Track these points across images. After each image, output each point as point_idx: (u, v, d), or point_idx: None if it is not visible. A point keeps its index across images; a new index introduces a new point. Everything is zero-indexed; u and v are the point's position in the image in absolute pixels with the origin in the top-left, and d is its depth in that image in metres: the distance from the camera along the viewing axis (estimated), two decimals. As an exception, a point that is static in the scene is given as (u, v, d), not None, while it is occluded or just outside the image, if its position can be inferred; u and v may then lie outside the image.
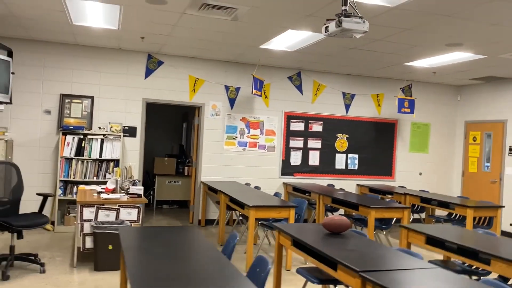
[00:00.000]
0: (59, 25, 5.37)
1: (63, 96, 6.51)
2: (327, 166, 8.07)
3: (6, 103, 5.18)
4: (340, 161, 8.18)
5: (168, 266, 2.41)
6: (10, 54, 5.33)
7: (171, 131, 10.76)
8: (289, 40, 5.73)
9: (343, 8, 3.14)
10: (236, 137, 7.59)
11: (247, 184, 7.28)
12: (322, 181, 8.01)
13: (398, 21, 4.54)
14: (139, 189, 5.08)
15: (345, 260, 2.72)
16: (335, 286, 3.37)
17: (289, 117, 7.86)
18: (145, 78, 6.96)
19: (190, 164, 8.67)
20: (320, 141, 8.04)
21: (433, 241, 3.80)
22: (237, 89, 7.52)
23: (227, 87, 7.48)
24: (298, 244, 3.37)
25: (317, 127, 8.03)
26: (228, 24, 4.98)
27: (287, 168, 7.85)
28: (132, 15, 4.75)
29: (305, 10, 4.30)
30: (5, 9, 4.73)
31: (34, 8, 4.66)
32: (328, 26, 3.16)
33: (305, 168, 7.94)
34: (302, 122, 7.93)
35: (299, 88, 7.90)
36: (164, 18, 4.82)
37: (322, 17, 4.51)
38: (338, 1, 3.96)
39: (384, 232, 5.90)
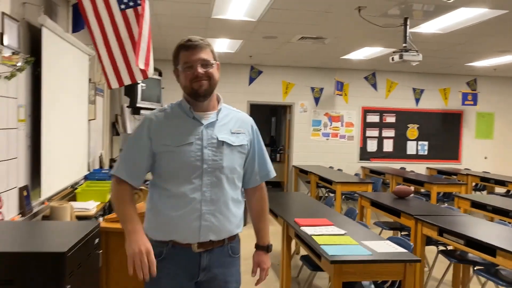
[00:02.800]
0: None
1: (189, 101, 8.55)
2: (399, 152, 9.45)
3: (159, 109, 7.27)
4: (411, 148, 9.51)
5: (306, 209, 4.17)
6: (160, 73, 7.40)
7: (262, 124, 12.65)
8: (365, 52, 7.22)
9: (404, 44, 4.67)
10: (320, 129, 9.24)
11: (331, 167, 8.91)
12: (395, 165, 9.39)
13: (450, 40, 5.89)
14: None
15: (405, 210, 4.30)
16: (400, 231, 4.94)
17: (366, 111, 9.34)
18: (249, 85, 8.83)
19: (281, 151, 10.47)
20: (393, 131, 9.42)
21: (477, 205, 5.19)
22: (321, 89, 9.14)
23: (312, 88, 9.12)
24: (375, 204, 4.99)
25: (390, 119, 9.42)
26: (317, 46, 6.62)
27: (364, 154, 9.36)
28: (249, 44, 6.57)
29: (380, 35, 5.80)
30: (162, 41, 6.74)
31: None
32: (393, 57, 4.71)
33: (380, 154, 9.39)
34: (377, 115, 9.37)
35: (374, 86, 9.33)
36: (272, 45, 6.58)
37: (393, 40, 5.97)
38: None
39: (446, 204, 7.25)
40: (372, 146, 9.40)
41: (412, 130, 9.48)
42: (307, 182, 8.86)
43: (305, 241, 3.20)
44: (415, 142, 9.52)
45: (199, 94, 1.79)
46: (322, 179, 7.32)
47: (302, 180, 9.19)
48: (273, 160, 11.18)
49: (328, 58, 7.75)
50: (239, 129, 1.90)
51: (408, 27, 4.66)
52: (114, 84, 2.48)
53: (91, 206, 3.85)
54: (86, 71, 4.84)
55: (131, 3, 2.28)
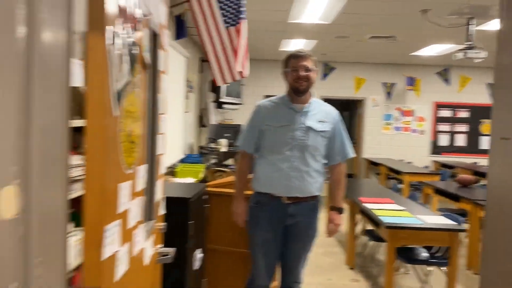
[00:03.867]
0: (270, 52, 8.09)
1: (266, 96, 9.30)
2: (472, 147, 9.48)
3: (240, 104, 8.10)
4: (485, 143, 9.49)
5: (372, 192, 4.72)
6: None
7: (334, 118, 13.11)
8: (436, 48, 7.47)
9: (468, 42, 5.00)
10: (391, 123, 9.55)
11: (401, 160, 9.20)
12: (468, 159, 9.43)
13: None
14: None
15: (465, 195, 4.68)
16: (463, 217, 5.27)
17: (438, 106, 9.49)
18: (322, 80, 9.39)
19: (354, 144, 10.88)
20: (466, 126, 9.47)
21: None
22: (392, 84, 9.45)
23: (384, 84, 9.46)
24: (438, 191, 5.37)
25: (463, 114, 9.48)
26: (388, 43, 7.02)
27: (435, 148, 9.52)
28: (323, 43, 7.15)
29: (448, 33, 6.10)
30: (242, 45, 7.55)
31: (261, 42, 7.40)
32: (456, 55, 5.05)
33: (452, 148, 9.50)
34: (450, 109, 9.48)
35: (447, 81, 9.44)
36: (344, 44, 7.11)
37: (462, 37, 6.22)
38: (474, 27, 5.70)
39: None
40: (444, 140, 9.53)
41: (487, 125, 9.46)
42: (377, 174, 9.25)
43: (366, 213, 3.77)
44: (489, 137, 9.46)
45: (299, 90, 2.48)
46: (391, 170, 7.71)
47: (373, 172, 9.57)
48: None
49: (399, 54, 8.08)
50: (325, 119, 2.55)
51: (473, 26, 4.98)
52: (219, 82, 3.25)
53: (189, 181, 4.71)
54: (184, 71, 5.75)
55: (233, 22, 3.03)
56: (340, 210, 2.68)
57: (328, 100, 9.85)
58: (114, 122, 1.07)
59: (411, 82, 9.09)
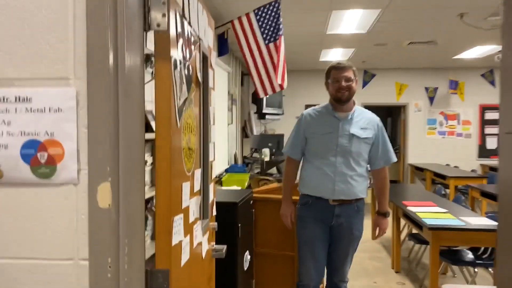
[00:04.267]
0: (309, 63, 8.26)
1: (307, 106, 9.46)
2: (523, 149, 9.16)
3: (281, 114, 8.30)
4: (537, 144, 9.15)
5: (416, 196, 4.76)
6: (281, 83, 8.44)
7: (377, 125, 13.00)
8: (479, 50, 7.36)
9: (509, 43, 4.95)
10: (436, 128, 9.42)
11: (447, 165, 9.05)
12: (519, 162, 9.12)
13: None
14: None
15: None
16: None
17: (484, 108, 9.27)
18: (362, 88, 9.44)
19: (397, 151, 10.80)
20: (515, 127, 9.17)
21: None
22: (435, 89, 9.34)
23: (426, 88, 9.37)
24: (484, 194, 5.31)
25: (512, 115, 9.19)
26: (428, 48, 7.01)
27: (483, 152, 9.28)
28: (361, 51, 7.24)
29: (490, 34, 6.04)
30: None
31: (302, 54, 7.59)
32: (499, 56, 5.02)
33: (501, 151, 9.21)
34: (497, 112, 9.21)
35: (492, 82, 9.22)
36: (382, 51, 7.17)
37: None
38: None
39: None
40: (492, 143, 9.29)
41: (538, 126, 9.13)
42: (423, 180, 9.13)
43: (409, 217, 3.83)
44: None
45: (341, 100, 2.65)
46: (436, 174, 7.63)
47: (418, 177, 9.46)
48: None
49: (441, 58, 8.02)
50: (367, 126, 2.69)
51: (513, 26, 4.93)
52: (261, 94, 3.47)
53: (235, 189, 4.94)
54: (226, 84, 6.03)
55: (272, 39, 3.27)
56: (385, 215, 2.80)
57: (369, 107, 9.89)
58: (178, 132, 1.30)
59: (454, 86, 8.96)
